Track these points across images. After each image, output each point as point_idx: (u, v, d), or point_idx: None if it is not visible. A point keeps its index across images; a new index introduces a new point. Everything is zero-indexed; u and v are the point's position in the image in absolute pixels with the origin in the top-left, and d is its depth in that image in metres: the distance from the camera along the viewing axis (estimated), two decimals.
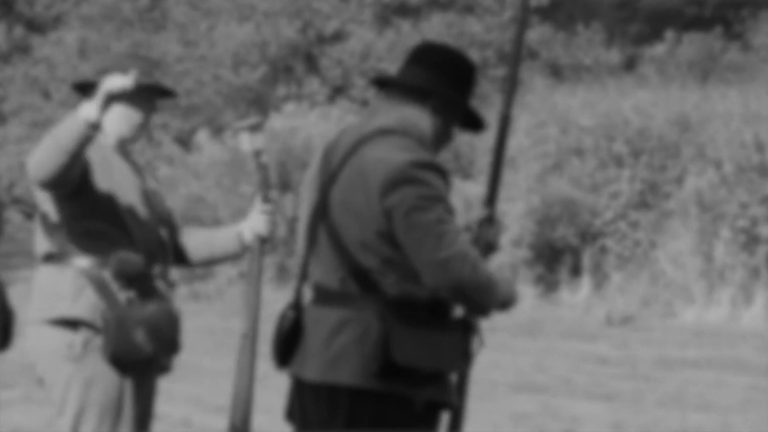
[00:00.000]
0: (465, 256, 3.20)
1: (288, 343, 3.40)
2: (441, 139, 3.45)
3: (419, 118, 3.37)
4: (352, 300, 3.29)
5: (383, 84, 3.53)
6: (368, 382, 3.23)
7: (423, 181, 3.22)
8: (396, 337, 3.22)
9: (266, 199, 4.19)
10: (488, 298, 3.27)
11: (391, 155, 3.25)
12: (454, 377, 3.45)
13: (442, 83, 3.39)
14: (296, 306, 3.43)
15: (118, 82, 3.77)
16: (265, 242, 4.17)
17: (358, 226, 3.27)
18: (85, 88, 4.20)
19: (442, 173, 3.29)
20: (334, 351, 3.28)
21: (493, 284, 3.26)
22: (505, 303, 3.35)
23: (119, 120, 4.14)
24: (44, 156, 3.74)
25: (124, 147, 4.20)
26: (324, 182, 3.39)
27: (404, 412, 3.26)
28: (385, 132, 3.33)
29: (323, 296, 3.36)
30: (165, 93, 4.26)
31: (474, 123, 3.52)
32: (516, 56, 3.62)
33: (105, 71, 4.13)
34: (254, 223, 4.20)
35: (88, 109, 3.75)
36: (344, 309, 3.29)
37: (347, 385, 3.26)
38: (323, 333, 3.31)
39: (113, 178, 4.06)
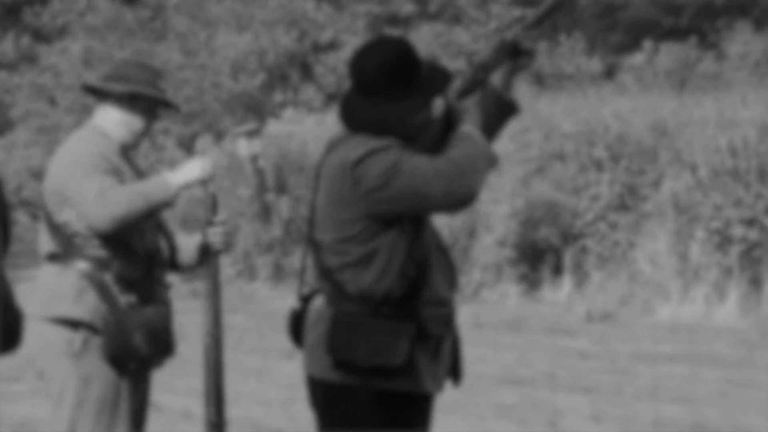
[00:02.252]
0: (452, 175, 3.12)
1: (295, 331, 3.46)
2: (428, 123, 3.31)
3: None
4: (327, 296, 3.32)
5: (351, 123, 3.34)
6: (334, 376, 3.24)
7: (366, 173, 3.14)
8: (347, 334, 3.19)
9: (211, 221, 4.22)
10: (486, 158, 3.21)
11: (343, 159, 3.20)
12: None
13: (398, 105, 3.25)
14: (303, 298, 3.47)
15: (198, 173, 3.94)
16: (218, 254, 4.22)
17: (323, 227, 3.29)
18: (93, 91, 4.20)
19: (387, 147, 3.17)
20: (309, 344, 3.35)
21: (481, 152, 3.19)
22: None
23: (120, 125, 4.11)
24: (130, 213, 3.85)
25: (126, 151, 4.17)
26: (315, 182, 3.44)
27: (379, 402, 3.22)
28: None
29: (318, 290, 3.42)
30: (167, 103, 4.23)
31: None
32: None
33: (110, 78, 4.15)
34: (209, 236, 4.22)
35: (177, 179, 3.93)
36: (323, 304, 3.33)
37: (317, 377, 3.31)
38: (309, 325, 3.38)
39: (123, 183, 4.05)
